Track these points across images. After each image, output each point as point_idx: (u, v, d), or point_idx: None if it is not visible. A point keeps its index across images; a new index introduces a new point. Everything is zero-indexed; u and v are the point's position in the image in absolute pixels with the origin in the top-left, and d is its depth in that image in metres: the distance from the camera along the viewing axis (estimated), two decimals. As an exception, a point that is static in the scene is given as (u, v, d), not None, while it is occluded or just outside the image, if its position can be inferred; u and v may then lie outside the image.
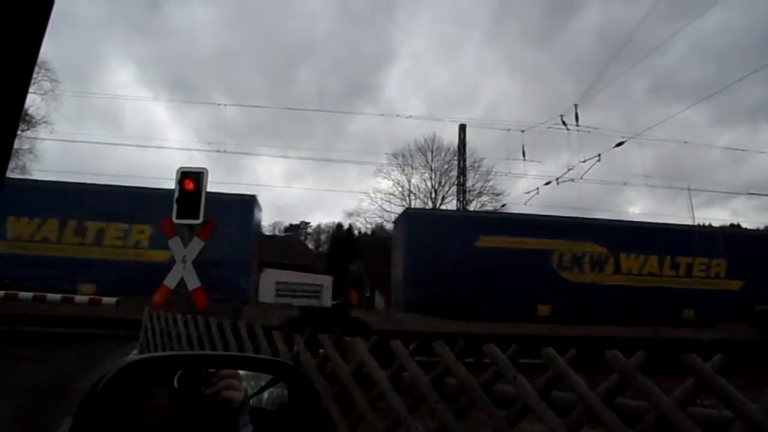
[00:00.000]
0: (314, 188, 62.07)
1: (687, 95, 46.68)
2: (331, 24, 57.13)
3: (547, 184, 20.09)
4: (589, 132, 20.03)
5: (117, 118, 51.17)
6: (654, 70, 53.42)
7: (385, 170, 33.94)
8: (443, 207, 31.79)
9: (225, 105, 43.72)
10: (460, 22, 59.25)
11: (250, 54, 58.30)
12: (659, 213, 63.14)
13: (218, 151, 22.44)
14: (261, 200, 14.80)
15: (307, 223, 60.37)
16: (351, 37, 57.32)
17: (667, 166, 40.63)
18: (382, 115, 61.21)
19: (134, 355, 4.96)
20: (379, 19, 58.31)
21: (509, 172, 28.19)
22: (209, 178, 6.74)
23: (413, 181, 34.29)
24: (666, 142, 27.82)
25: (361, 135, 49.48)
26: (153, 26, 53.92)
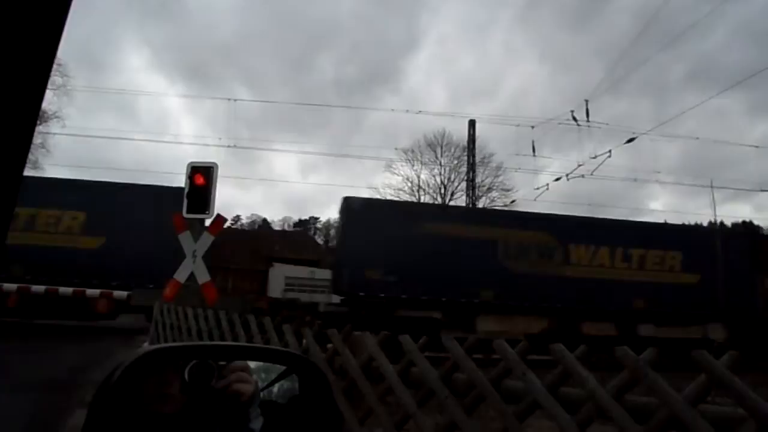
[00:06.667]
0: (327, 183, 61.96)
1: (723, 83, 45.17)
2: (355, 6, 55.90)
3: (557, 180, 20.03)
4: (600, 128, 19.92)
5: (130, 107, 51.07)
6: (691, 56, 51.55)
7: (394, 166, 33.91)
8: (453, 203, 31.70)
9: (235, 100, 43.76)
10: (489, 4, 57.49)
11: (269, 39, 57.47)
12: (680, 209, 62.16)
13: (228, 146, 22.58)
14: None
15: (316, 219, 60.63)
16: (374, 21, 56.08)
17: (687, 160, 39.60)
18: (392, 110, 60.60)
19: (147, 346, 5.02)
20: (405, 1, 56.88)
21: (519, 168, 28.11)
22: (220, 172, 6.78)
23: (422, 176, 34.22)
24: (680, 138, 27.58)
25: (381, 126, 48.84)
26: (169, 9, 53.36)
